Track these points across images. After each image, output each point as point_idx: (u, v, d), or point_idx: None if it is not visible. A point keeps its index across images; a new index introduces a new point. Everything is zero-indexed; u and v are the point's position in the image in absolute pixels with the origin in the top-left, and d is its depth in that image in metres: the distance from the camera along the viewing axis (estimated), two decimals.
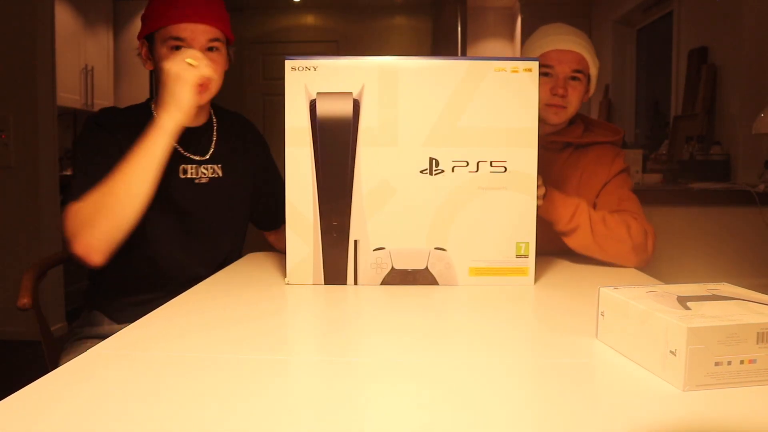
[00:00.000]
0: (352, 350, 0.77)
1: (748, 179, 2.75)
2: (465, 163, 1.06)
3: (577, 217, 1.25)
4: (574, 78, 1.42)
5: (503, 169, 1.06)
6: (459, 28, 5.18)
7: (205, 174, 1.26)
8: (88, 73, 4.15)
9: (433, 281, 1.08)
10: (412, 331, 0.83)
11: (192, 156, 1.26)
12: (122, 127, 1.17)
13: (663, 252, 2.40)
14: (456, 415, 0.56)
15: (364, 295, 1.04)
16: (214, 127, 1.30)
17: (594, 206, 1.42)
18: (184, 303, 0.99)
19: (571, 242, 1.28)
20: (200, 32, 1.15)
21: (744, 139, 2.89)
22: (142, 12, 1.21)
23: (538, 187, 1.11)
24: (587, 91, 1.48)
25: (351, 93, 1.05)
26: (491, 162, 1.06)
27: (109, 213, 1.04)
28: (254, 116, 6.35)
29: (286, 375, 0.67)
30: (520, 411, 0.57)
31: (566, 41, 1.43)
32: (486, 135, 1.06)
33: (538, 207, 1.13)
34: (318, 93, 1.05)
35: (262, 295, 1.06)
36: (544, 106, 1.43)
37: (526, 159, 1.06)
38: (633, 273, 1.24)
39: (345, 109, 1.05)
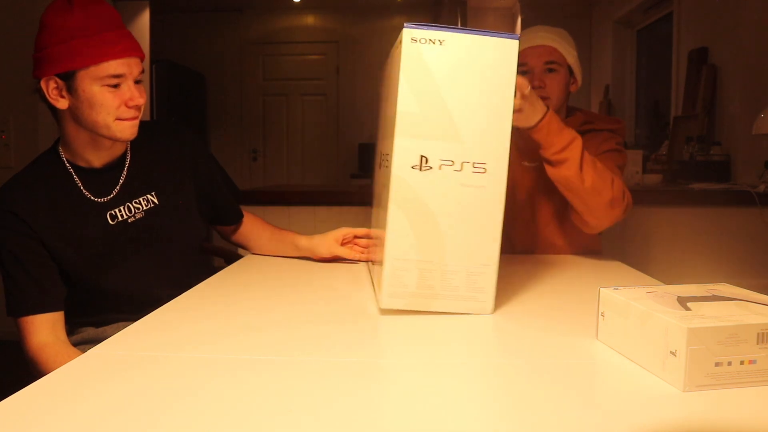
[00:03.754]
0: (349, 351, 0.76)
1: (749, 180, 2.74)
2: None
3: (570, 150, 1.21)
4: (550, 70, 1.47)
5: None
6: None
7: (138, 208, 1.20)
8: None
9: None
10: (406, 331, 0.83)
11: (109, 199, 1.18)
12: (38, 208, 1.12)
13: (663, 252, 2.40)
14: (456, 416, 0.56)
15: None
16: (127, 159, 1.22)
17: None
18: (182, 305, 0.99)
19: (556, 173, 1.24)
20: (134, 66, 1.11)
21: (744, 140, 2.89)
22: (42, 49, 1.08)
23: (521, 96, 1.10)
24: (573, 81, 1.51)
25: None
26: None
27: None
28: (254, 116, 6.29)
29: (283, 375, 0.67)
30: (521, 411, 0.57)
31: (535, 38, 1.48)
32: None
33: (527, 121, 1.16)
34: None
35: (259, 295, 1.06)
36: None
37: None
38: (633, 274, 1.24)
39: None
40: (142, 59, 1.14)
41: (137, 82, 1.13)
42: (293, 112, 5.89)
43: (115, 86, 1.09)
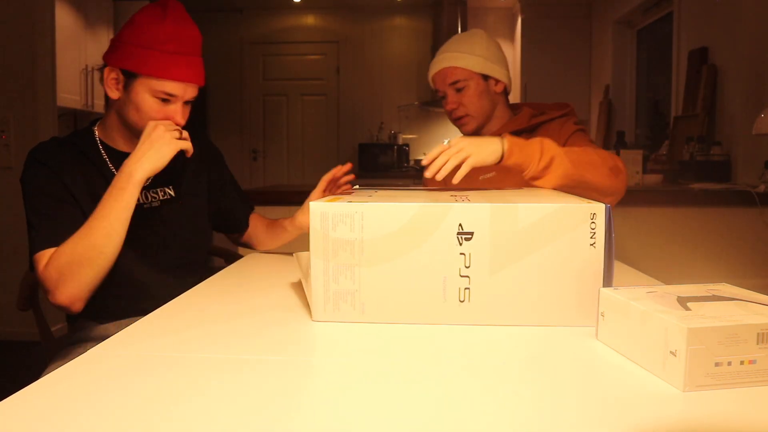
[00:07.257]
0: (352, 351, 0.76)
1: (749, 180, 2.74)
2: None
3: (547, 150, 1.15)
4: (458, 90, 1.49)
5: None
6: (459, 29, 5.18)
7: (155, 197, 1.27)
8: (88, 73, 4.15)
9: None
10: (402, 333, 0.83)
11: None
12: (65, 164, 1.19)
13: (663, 252, 2.40)
14: (456, 416, 0.56)
15: None
16: None
17: None
18: (182, 304, 0.99)
19: (550, 177, 1.16)
20: (189, 91, 1.19)
21: (744, 140, 2.89)
22: (122, 42, 1.16)
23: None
24: (494, 83, 1.50)
25: None
26: None
27: (90, 263, 1.09)
28: (254, 116, 6.28)
29: (284, 375, 0.67)
30: (520, 411, 0.57)
31: (436, 63, 1.52)
32: None
33: (492, 156, 1.13)
34: None
35: (260, 295, 1.05)
36: (453, 122, 1.56)
37: None
38: (632, 273, 1.24)
39: None
40: (200, 87, 1.22)
41: (187, 102, 1.21)
42: (293, 112, 5.90)
43: (165, 101, 1.17)
